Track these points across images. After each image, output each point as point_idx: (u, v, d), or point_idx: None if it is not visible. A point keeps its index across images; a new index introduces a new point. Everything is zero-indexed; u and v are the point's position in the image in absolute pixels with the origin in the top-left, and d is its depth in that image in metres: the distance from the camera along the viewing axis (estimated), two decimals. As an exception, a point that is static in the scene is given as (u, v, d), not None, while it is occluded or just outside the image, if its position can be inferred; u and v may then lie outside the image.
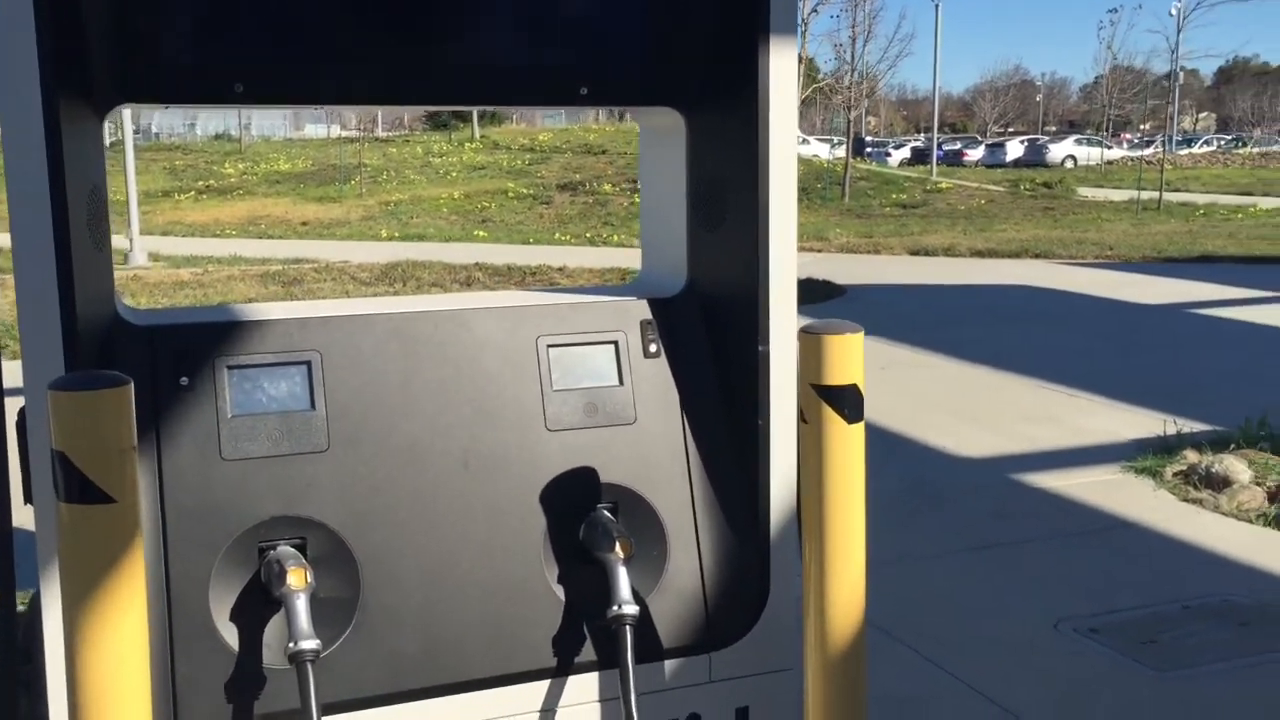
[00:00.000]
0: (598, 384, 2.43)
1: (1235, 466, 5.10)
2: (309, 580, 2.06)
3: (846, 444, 2.16)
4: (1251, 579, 4.07)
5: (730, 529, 2.49)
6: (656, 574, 2.42)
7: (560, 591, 2.32)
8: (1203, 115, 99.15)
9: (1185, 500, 4.93)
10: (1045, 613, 3.75)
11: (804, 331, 2.16)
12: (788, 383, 2.45)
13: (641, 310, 2.53)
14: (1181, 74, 36.48)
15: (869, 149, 51.98)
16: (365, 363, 2.28)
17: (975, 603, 3.88)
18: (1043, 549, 4.39)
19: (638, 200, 20.11)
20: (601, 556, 2.30)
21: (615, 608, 2.24)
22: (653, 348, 2.50)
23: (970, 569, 4.18)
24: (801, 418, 2.18)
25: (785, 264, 2.43)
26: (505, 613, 2.28)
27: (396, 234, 21.17)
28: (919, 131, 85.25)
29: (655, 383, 2.48)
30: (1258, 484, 4.98)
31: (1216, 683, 3.30)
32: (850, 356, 2.15)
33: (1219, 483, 5.01)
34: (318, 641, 2.01)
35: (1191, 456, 5.38)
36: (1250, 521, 4.67)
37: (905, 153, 54.10)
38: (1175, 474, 5.22)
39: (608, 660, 2.34)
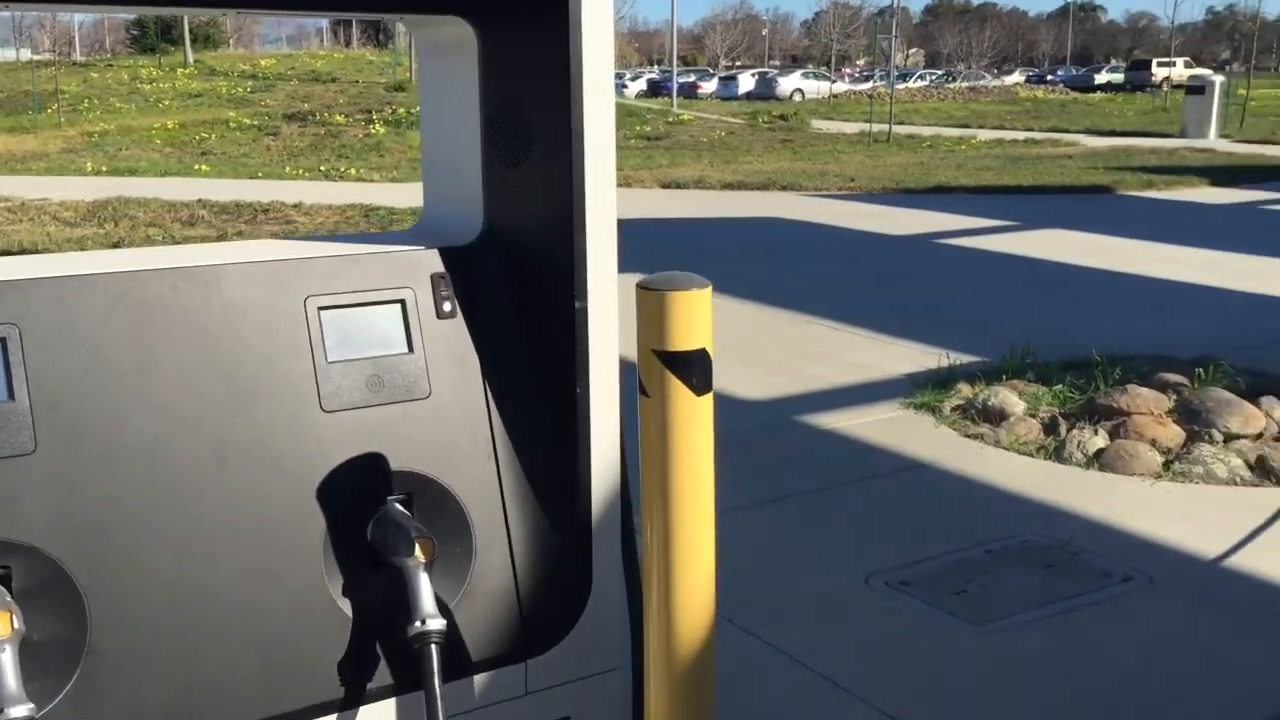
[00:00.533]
0: (382, 352, 2.05)
1: (1009, 399, 5.12)
2: (15, 625, 1.60)
3: (695, 418, 1.86)
4: (1045, 517, 4.05)
5: (545, 516, 2.17)
6: (462, 575, 2.08)
7: (347, 606, 1.95)
8: (912, 51, 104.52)
9: (967, 436, 4.90)
10: (854, 566, 3.59)
11: (643, 288, 1.82)
12: (609, 343, 2.12)
13: (431, 261, 2.14)
14: (898, 11, 38.03)
15: (605, 80, 51.84)
16: (83, 337, 1.79)
17: (783, 559, 3.68)
18: (841, 496, 4.24)
19: (374, 131, 19.25)
20: (397, 561, 1.94)
21: (418, 623, 1.89)
22: (447, 306, 2.13)
23: (773, 522, 3.98)
24: (641, 390, 1.85)
25: (603, 203, 2.09)
26: (279, 638, 1.89)
27: (104, 168, 19.42)
28: (652, 64, 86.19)
29: (451, 348, 2.11)
30: (1032, 415, 5.01)
31: (1033, 633, 3.21)
32: (698, 316, 1.83)
33: (996, 416, 5.01)
34: (30, 706, 1.57)
35: (966, 390, 5.38)
36: (1031, 455, 4.67)
37: (641, 84, 54.46)
38: (953, 409, 5.19)
39: (407, 683, 1.99)
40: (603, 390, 2.12)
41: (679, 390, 1.83)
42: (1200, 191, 15.12)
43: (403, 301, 2.08)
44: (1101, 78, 63.96)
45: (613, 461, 2.17)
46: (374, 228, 11.57)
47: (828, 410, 5.26)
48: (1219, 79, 25.87)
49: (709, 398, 1.86)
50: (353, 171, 18.22)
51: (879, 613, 3.31)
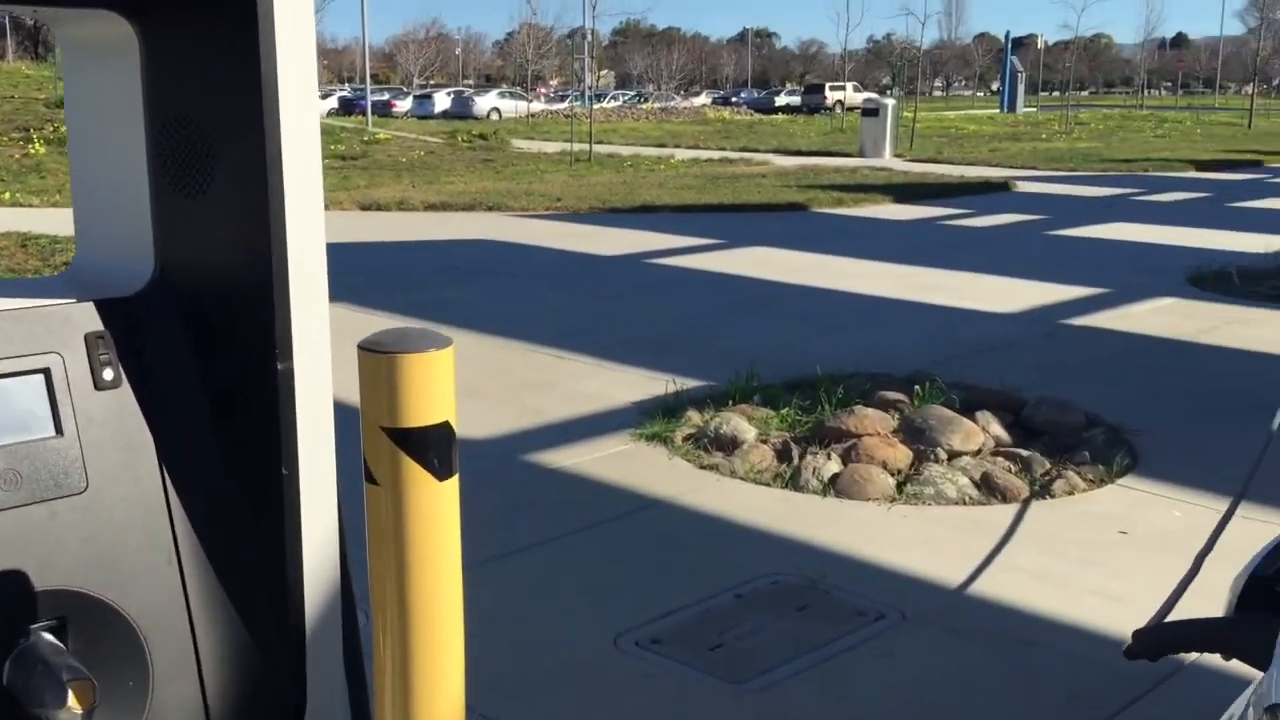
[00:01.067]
0: (19, 438, 1.63)
1: (740, 425, 4.97)
2: None
3: (437, 507, 1.51)
4: (790, 552, 3.89)
5: (246, 629, 1.77)
6: (136, 715, 1.65)
7: (-23, 777, 1.49)
8: (604, 72, 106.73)
9: (702, 467, 4.70)
10: (601, 626, 3.29)
11: (367, 350, 1.46)
12: (322, 412, 1.74)
13: (86, 317, 1.71)
14: (591, 33, 38.58)
15: (293, 98, 50.00)
16: None
17: (524, 624, 3.33)
18: (578, 544, 3.94)
19: (33, 151, 17.44)
20: (43, 714, 1.50)
21: (76, 797, 1.45)
22: (108, 374, 1.69)
23: (508, 581, 3.62)
24: (369, 477, 1.48)
25: (310, 240, 1.70)
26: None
27: None
28: (342, 82, 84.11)
29: (115, 427, 1.69)
30: (763, 442, 4.89)
31: (795, 686, 3.01)
32: (438, 383, 1.48)
33: (728, 444, 4.85)
34: None
35: (696, 418, 5.20)
36: (768, 484, 4.53)
37: (332, 103, 52.87)
38: (685, 439, 5.00)
39: None
40: (316, 472, 1.73)
41: (417, 475, 1.47)
42: (885, 208, 15.90)
43: (46, 370, 1.64)
44: (781, 100, 67.27)
45: (330, 558, 1.78)
46: (33, 259, 10.39)
47: (556, 446, 4.95)
48: (891, 102, 27.56)
49: (454, 481, 1.51)
50: (7, 196, 16.47)
51: (633, 679, 3.02)
